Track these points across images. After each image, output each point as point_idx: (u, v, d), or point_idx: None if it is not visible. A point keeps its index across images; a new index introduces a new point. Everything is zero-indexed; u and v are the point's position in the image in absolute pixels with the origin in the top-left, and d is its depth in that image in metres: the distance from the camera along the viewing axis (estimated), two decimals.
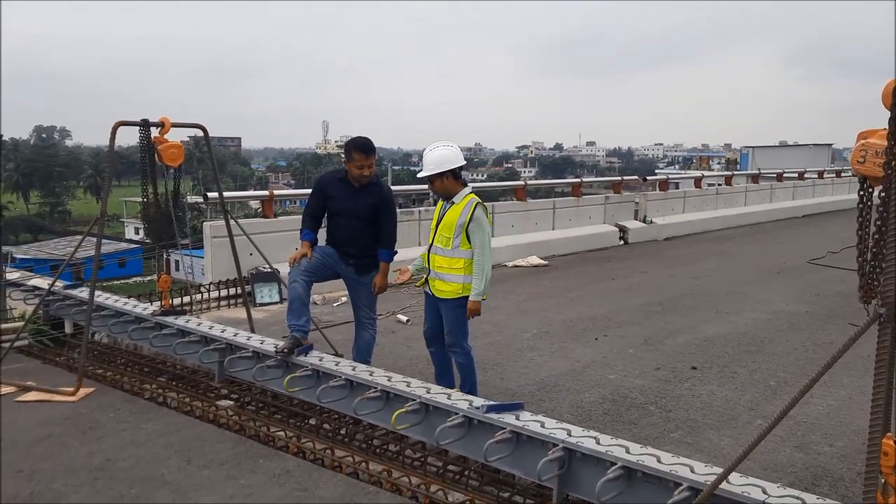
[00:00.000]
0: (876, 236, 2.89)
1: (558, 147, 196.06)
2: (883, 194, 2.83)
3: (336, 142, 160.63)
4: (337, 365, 4.98)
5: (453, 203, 5.12)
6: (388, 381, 4.69)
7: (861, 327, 2.82)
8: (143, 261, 46.60)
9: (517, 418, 4.14)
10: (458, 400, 4.40)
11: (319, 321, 8.03)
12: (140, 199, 6.05)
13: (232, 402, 5.47)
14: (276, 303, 8.84)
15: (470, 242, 5.03)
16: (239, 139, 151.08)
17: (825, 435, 4.98)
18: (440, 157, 5.09)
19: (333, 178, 5.53)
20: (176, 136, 6.02)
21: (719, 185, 20.44)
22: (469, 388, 5.33)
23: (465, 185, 5.20)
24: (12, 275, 8.42)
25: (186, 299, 8.24)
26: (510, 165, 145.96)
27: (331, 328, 7.55)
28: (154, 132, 5.93)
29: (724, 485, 3.42)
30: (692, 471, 3.54)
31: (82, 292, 6.95)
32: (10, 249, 50.02)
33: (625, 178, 16.96)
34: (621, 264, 12.48)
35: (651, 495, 3.60)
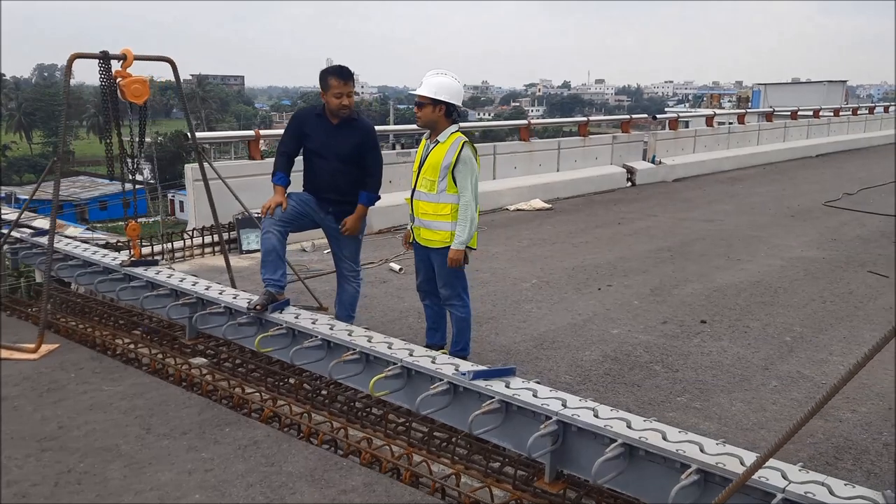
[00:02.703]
0: None
1: (566, 85, 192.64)
2: None
3: None
4: (314, 323, 4.55)
5: (438, 142, 4.62)
6: (369, 341, 4.27)
7: None
8: (147, 202, 46.31)
9: (507, 386, 3.72)
10: (444, 364, 3.98)
11: (308, 270, 7.64)
12: (104, 139, 5.54)
13: (206, 361, 5.09)
14: (257, 250, 8.39)
15: (456, 186, 4.55)
16: (242, 77, 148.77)
17: (846, 399, 4.56)
18: (443, 84, 4.55)
19: (310, 114, 4.99)
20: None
21: (731, 123, 19.73)
22: (462, 346, 4.93)
23: (454, 123, 4.67)
24: (11, 215, 8.00)
25: (168, 246, 7.85)
26: (517, 104, 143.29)
27: (318, 278, 7.13)
28: (117, 66, 5.38)
29: (737, 468, 3.02)
30: (702, 450, 3.13)
31: (57, 241, 6.52)
32: (13, 190, 49.67)
33: (633, 116, 16.28)
34: (629, 207, 11.97)
35: (655, 476, 3.20)
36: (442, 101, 4.50)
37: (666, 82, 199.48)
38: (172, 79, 5.92)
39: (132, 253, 5.87)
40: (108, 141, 5.45)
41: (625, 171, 14.38)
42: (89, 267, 5.91)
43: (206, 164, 6.25)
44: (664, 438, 3.24)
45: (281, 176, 4.90)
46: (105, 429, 4.00)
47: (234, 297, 5.03)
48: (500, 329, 5.82)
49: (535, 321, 6.03)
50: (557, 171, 13.15)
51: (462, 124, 4.86)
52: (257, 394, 4.51)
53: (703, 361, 5.19)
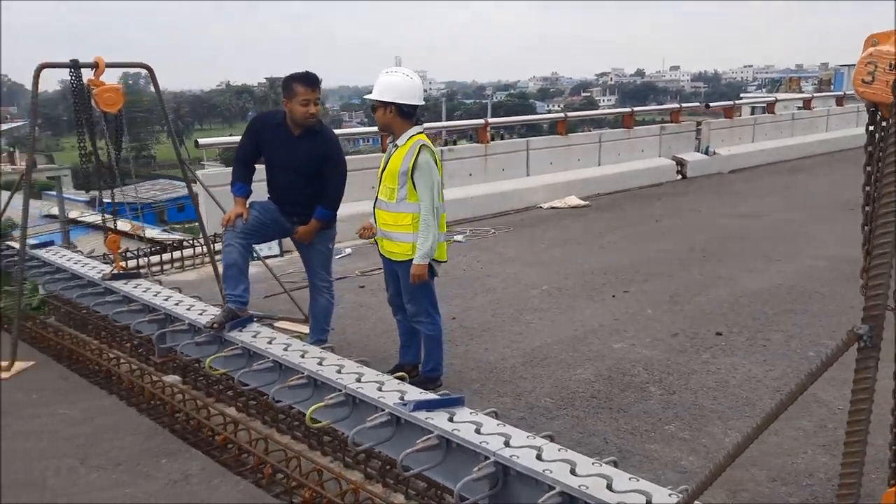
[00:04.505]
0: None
1: (640, 73, 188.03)
2: None
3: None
4: (270, 343, 4.28)
5: (397, 146, 4.29)
6: (319, 364, 3.98)
7: (834, 350, 1.88)
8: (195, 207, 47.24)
9: (451, 419, 3.37)
10: (389, 391, 3.65)
11: (304, 279, 7.40)
12: (79, 150, 5.46)
13: (179, 378, 4.90)
14: (276, 255, 8.27)
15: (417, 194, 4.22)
16: None
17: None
18: (389, 83, 4.24)
19: (268, 123, 4.71)
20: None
21: (798, 108, 18.58)
22: (433, 365, 4.60)
23: (416, 124, 4.33)
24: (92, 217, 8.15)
25: (178, 255, 7.79)
26: (588, 94, 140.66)
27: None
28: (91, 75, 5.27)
29: None
30: (649, 503, 2.71)
31: (53, 253, 6.51)
32: (95, 193, 51.36)
33: (683, 105, 15.48)
34: (673, 202, 11.33)
35: None
36: (391, 103, 4.17)
37: (745, 66, 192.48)
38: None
39: (115, 266, 5.75)
40: (81, 152, 5.35)
41: (674, 163, 13.66)
42: (73, 279, 5.83)
43: (190, 175, 6.09)
44: (608, 487, 2.82)
45: (240, 186, 4.66)
46: (40, 459, 3.83)
47: (201, 313, 4.82)
48: (491, 343, 5.44)
49: (533, 334, 5.62)
50: (598, 165, 12.57)
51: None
52: (221, 416, 4.30)
53: (707, 382, 4.67)
